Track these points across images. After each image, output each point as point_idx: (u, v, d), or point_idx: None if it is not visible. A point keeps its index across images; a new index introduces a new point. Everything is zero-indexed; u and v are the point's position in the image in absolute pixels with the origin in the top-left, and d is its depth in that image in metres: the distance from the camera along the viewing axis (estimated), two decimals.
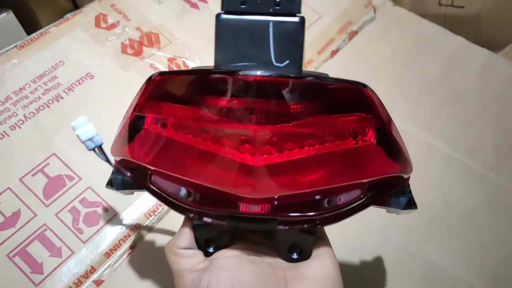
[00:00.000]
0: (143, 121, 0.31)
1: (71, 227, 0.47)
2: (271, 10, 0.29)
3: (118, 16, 0.62)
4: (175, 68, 0.60)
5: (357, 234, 0.50)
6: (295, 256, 0.33)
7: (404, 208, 0.34)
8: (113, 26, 0.61)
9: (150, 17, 0.64)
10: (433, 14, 0.81)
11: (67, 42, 0.58)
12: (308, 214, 0.32)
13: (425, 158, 0.59)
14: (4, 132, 0.51)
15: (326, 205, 0.32)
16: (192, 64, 0.62)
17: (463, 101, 0.65)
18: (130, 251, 0.47)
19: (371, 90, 0.28)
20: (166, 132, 0.31)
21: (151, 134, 0.31)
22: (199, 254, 0.33)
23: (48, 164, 0.50)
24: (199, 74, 0.30)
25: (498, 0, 0.78)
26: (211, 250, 0.34)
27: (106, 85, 0.57)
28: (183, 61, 0.62)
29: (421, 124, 0.62)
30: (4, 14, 0.66)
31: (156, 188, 0.34)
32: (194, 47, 0.63)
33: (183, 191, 0.33)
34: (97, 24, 0.61)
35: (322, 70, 0.66)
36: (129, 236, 0.48)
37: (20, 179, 0.49)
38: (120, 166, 0.36)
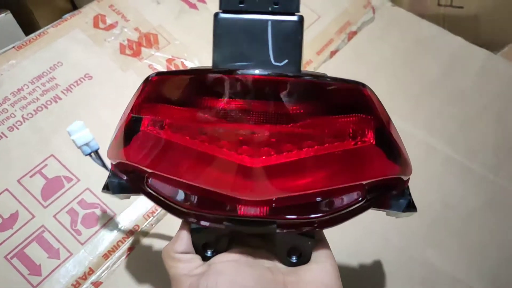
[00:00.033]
0: (140, 122, 0.31)
1: (69, 229, 0.47)
2: (269, 8, 0.29)
3: (117, 17, 0.62)
4: (173, 69, 0.60)
5: (356, 237, 0.50)
6: (294, 259, 0.33)
7: (403, 211, 0.33)
8: (111, 26, 0.61)
9: (148, 17, 0.63)
10: (432, 14, 0.81)
11: (65, 42, 0.58)
12: (307, 216, 0.32)
13: (425, 159, 0.59)
14: (2, 133, 0.51)
15: (326, 208, 0.32)
16: (190, 65, 0.62)
17: (463, 101, 0.65)
18: (129, 252, 0.47)
19: (370, 89, 0.28)
20: (163, 133, 0.30)
21: (148, 136, 0.31)
22: (197, 258, 0.33)
23: (46, 165, 0.50)
24: (197, 73, 0.30)
25: (497, 0, 0.78)
26: (209, 254, 0.33)
27: (105, 86, 0.57)
28: (182, 62, 0.61)
29: (421, 125, 0.62)
30: (2, 15, 0.66)
31: (153, 191, 0.33)
32: (192, 47, 0.63)
33: (180, 194, 0.33)
34: (96, 25, 0.61)
35: (321, 70, 0.66)
36: (128, 237, 0.48)
37: (18, 180, 0.48)
38: (117, 170, 0.35)
